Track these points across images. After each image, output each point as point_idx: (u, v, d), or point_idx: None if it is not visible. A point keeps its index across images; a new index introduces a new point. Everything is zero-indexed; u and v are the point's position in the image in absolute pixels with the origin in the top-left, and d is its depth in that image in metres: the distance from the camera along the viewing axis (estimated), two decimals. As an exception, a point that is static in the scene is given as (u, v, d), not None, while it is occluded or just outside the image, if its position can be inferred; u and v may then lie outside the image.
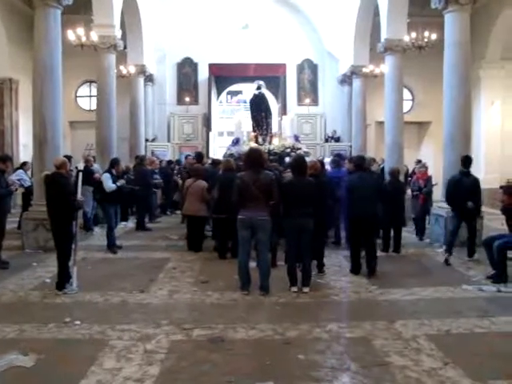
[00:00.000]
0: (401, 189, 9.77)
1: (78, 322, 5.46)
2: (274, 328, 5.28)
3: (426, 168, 11.14)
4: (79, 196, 6.99)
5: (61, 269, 6.79)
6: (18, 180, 14.76)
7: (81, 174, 7.26)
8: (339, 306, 6.19)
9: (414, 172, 15.44)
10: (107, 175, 9.90)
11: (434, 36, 14.80)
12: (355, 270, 7.84)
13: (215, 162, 11.66)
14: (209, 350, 4.71)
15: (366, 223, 7.80)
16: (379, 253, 9.25)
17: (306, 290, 6.79)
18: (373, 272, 7.74)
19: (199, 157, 11.93)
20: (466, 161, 9.11)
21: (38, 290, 6.86)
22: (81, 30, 13.91)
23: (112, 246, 9.71)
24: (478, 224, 9.75)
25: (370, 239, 7.97)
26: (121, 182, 10.00)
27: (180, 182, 14.00)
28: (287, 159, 12.27)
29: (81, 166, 7.69)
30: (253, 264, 7.13)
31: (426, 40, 14.93)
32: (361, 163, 8.26)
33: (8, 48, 17.60)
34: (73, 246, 6.95)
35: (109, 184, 9.76)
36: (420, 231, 11.03)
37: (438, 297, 6.53)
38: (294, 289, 6.80)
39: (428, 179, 10.98)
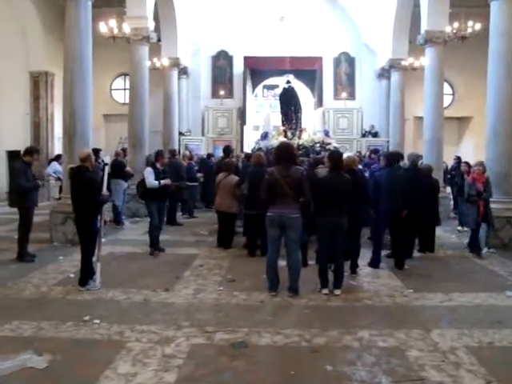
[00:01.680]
0: (434, 187, 9.30)
1: (97, 321, 5.26)
2: (302, 334, 4.96)
3: (484, 167, 9.14)
4: (104, 190, 6.81)
5: (84, 264, 6.63)
6: (54, 173, 14.84)
7: (107, 168, 7.09)
8: (372, 311, 5.81)
9: (453, 169, 14.85)
10: (150, 170, 9.01)
11: (478, 26, 14.11)
12: (375, 263, 7.89)
13: (248, 156, 11.39)
14: (230, 357, 4.42)
15: (397, 217, 7.76)
16: (416, 253, 8.92)
17: (337, 292, 6.47)
18: (401, 266, 7.85)
19: (227, 151, 11.66)
20: None
21: (61, 286, 6.72)
22: (113, 22, 13.81)
23: (153, 247, 8.99)
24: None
25: (401, 233, 7.99)
26: (165, 181, 9.03)
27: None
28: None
29: (107, 159, 7.52)
30: (282, 263, 6.82)
31: (469, 30, 14.23)
32: (394, 159, 8.24)
33: (44, 41, 17.81)
34: (97, 242, 6.78)
35: (150, 180, 8.87)
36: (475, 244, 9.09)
37: (479, 304, 6.08)
38: (325, 291, 6.48)
39: (488, 181, 9.02)
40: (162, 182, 8.93)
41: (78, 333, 4.97)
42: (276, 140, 12.72)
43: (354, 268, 7.58)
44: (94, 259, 6.71)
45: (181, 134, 19.35)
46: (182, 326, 5.16)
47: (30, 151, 8.49)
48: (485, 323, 5.34)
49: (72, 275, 7.15)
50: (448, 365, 4.26)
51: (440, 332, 5.03)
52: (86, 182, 6.61)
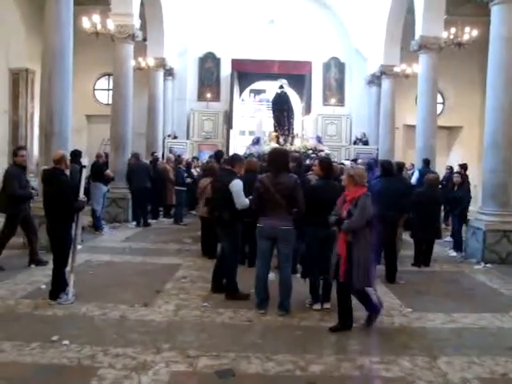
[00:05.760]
0: (436, 199, 8.90)
1: (66, 342, 4.68)
2: (295, 360, 4.44)
3: (356, 178, 5.41)
4: (81, 195, 6.26)
5: (56, 276, 6.07)
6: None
7: (84, 171, 6.56)
8: (370, 334, 5.30)
9: (445, 179, 14.54)
10: (239, 183, 6.38)
11: (474, 32, 13.80)
12: None
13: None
14: (216, 388, 3.92)
15: (387, 229, 7.41)
16: (410, 267, 8.51)
17: (327, 305, 6.06)
18: (392, 280, 7.54)
19: (218, 156, 11.16)
20: None
21: (31, 299, 6.12)
22: (96, 17, 13.25)
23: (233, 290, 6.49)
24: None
25: (391, 245, 7.68)
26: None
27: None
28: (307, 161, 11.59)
29: (85, 161, 6.98)
30: (272, 276, 6.33)
31: (466, 37, 13.90)
32: (388, 168, 8.01)
33: (26, 38, 17.14)
34: (71, 251, 6.22)
35: (243, 199, 6.33)
36: None
37: (484, 326, 5.62)
38: (317, 306, 6.03)
39: (358, 202, 5.34)
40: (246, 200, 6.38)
41: (43, 356, 4.39)
42: (268, 146, 12.31)
43: None
44: (68, 270, 6.15)
45: (167, 136, 18.82)
46: (161, 349, 4.61)
47: (14, 151, 8.21)
48: (494, 349, 4.87)
49: (43, 286, 6.56)
50: (462, 401, 3.80)
51: (447, 360, 4.55)
52: (60, 186, 6.05)
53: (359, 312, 5.94)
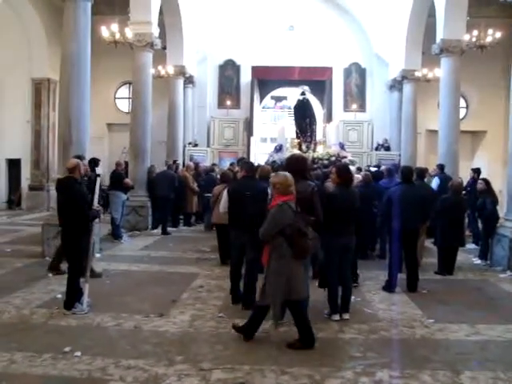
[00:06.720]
0: (461, 205, 8.67)
1: (78, 354, 4.60)
2: (311, 374, 4.29)
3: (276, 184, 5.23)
4: (95, 204, 6.21)
5: (71, 285, 6.01)
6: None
7: (99, 180, 6.51)
8: (390, 346, 5.13)
9: (469, 185, 14.27)
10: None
11: (498, 34, 13.50)
12: (390, 287, 7.27)
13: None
14: (228, 403, 3.79)
15: (408, 236, 7.34)
16: (432, 275, 8.29)
17: (346, 316, 5.91)
18: (414, 289, 7.28)
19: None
20: None
21: (46, 308, 6.08)
22: (115, 27, 13.31)
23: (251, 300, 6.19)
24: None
25: (412, 253, 7.47)
26: None
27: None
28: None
29: (99, 170, 6.94)
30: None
31: (489, 39, 13.60)
32: (408, 174, 7.80)
33: (48, 48, 17.36)
34: (86, 261, 6.17)
35: None
36: None
37: (511, 339, 5.38)
38: (336, 317, 5.86)
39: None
40: None
41: (54, 368, 4.32)
42: (290, 153, 12.25)
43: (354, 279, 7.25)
44: (83, 280, 6.09)
45: (187, 144, 18.82)
46: (174, 362, 4.50)
47: None
48: (521, 364, 4.66)
49: (59, 296, 6.50)
50: (486, 420, 3.61)
51: (471, 375, 4.34)
52: (74, 194, 6.01)
53: (380, 323, 5.79)
